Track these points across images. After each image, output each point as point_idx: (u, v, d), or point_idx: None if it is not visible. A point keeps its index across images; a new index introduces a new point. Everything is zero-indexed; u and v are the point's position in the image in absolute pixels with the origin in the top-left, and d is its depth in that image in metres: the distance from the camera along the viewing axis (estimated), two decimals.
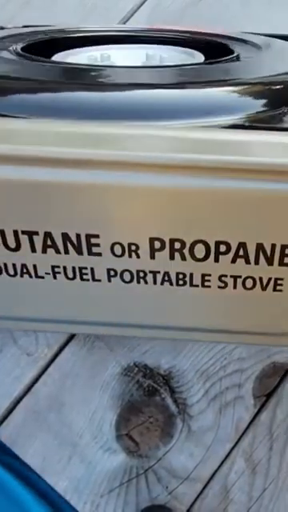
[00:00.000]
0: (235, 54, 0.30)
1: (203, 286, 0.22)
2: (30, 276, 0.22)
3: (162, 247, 0.21)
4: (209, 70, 0.27)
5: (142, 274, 0.21)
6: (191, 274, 0.21)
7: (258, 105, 0.23)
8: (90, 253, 0.21)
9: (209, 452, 0.51)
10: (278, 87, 0.24)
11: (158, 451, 0.51)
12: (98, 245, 0.21)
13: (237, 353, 0.52)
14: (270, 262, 0.21)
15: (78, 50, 0.35)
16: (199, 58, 0.33)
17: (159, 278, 0.22)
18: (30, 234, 0.21)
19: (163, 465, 0.51)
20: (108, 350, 0.52)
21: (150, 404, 0.51)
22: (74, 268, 0.22)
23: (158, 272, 0.21)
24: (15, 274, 0.22)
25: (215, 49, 0.34)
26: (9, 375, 0.51)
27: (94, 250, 0.21)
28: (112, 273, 0.22)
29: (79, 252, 0.21)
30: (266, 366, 0.51)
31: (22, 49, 0.31)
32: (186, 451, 0.51)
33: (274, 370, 0.51)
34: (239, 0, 0.57)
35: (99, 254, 0.21)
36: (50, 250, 0.21)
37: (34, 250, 0.21)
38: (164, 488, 0.50)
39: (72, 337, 0.52)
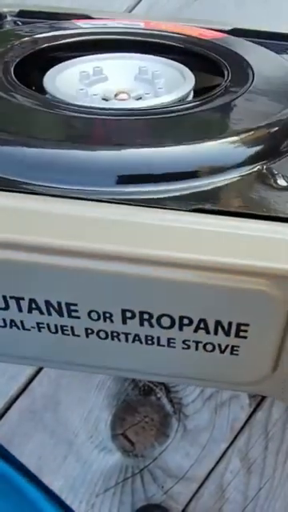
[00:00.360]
0: (223, 86, 0.31)
1: (169, 346, 0.25)
2: (18, 328, 0.25)
3: (133, 316, 0.24)
4: (186, 119, 0.28)
5: (115, 334, 0.25)
6: (158, 337, 0.25)
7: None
8: (69, 316, 0.24)
9: (204, 451, 0.51)
10: (253, 141, 0.26)
11: (153, 451, 0.51)
12: (76, 311, 0.24)
13: None
14: (227, 334, 0.24)
15: (70, 62, 0.35)
16: (189, 79, 0.33)
17: (130, 337, 0.25)
18: (17, 299, 0.24)
19: (159, 464, 0.51)
20: None
21: (145, 403, 0.51)
22: (56, 325, 0.25)
23: (130, 333, 0.25)
24: (5, 325, 0.25)
25: (206, 63, 0.35)
26: (4, 374, 0.51)
27: (73, 314, 0.24)
28: (89, 331, 0.25)
29: (60, 315, 0.24)
30: None
31: (15, 68, 0.32)
32: (181, 451, 0.51)
33: None
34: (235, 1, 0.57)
35: (78, 317, 0.24)
36: (35, 311, 0.24)
37: (20, 310, 0.24)
38: (159, 487, 0.51)
39: None
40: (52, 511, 0.50)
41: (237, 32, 0.41)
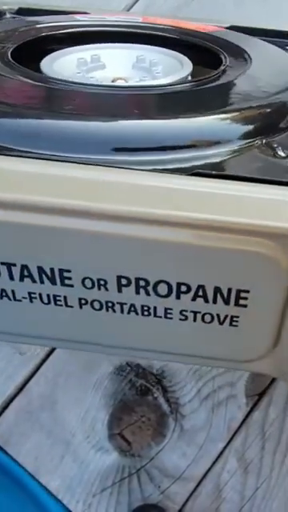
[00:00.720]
0: (221, 69, 0.31)
1: (166, 317, 0.24)
2: (9, 299, 0.24)
3: (128, 284, 0.23)
4: (187, 93, 0.28)
5: (110, 304, 0.24)
6: (155, 307, 0.24)
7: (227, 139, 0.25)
8: (62, 284, 0.23)
9: (201, 451, 0.51)
10: (252, 116, 0.26)
11: (150, 450, 0.51)
12: (69, 278, 0.23)
13: None
14: (226, 302, 0.23)
15: (68, 50, 0.35)
16: (187, 65, 0.33)
17: (126, 308, 0.24)
18: (9, 265, 0.23)
19: (155, 464, 0.51)
20: None
21: (142, 403, 0.51)
22: (48, 295, 0.24)
23: (125, 303, 0.24)
24: None
25: (204, 54, 0.35)
26: (1, 374, 0.51)
27: (67, 282, 0.23)
28: (83, 301, 0.24)
29: (53, 283, 0.23)
30: None
31: (12, 53, 0.31)
32: (178, 450, 0.51)
33: None
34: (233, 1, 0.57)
35: (71, 286, 0.23)
36: (27, 279, 0.23)
37: (12, 278, 0.23)
38: (156, 487, 0.50)
39: None
40: (52, 505, 0.50)
41: (234, 29, 0.41)
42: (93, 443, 0.51)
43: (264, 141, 0.26)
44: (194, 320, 0.24)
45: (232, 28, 0.41)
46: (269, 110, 0.27)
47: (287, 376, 0.26)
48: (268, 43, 0.38)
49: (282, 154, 0.25)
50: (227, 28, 0.42)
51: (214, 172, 0.23)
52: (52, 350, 0.52)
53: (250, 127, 0.26)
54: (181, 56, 0.34)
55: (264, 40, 0.40)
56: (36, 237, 0.22)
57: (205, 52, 0.35)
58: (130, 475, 0.51)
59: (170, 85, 0.29)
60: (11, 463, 0.50)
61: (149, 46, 0.37)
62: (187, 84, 0.30)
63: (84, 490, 0.50)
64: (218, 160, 0.24)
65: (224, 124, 0.25)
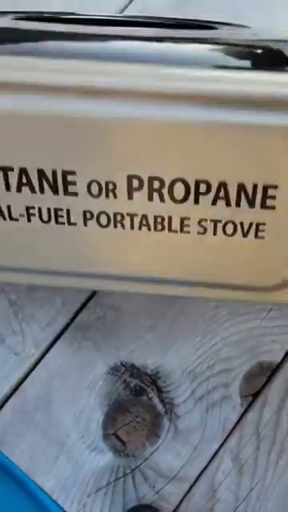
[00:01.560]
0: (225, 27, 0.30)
1: (182, 231, 0.20)
2: (4, 218, 0.21)
3: (140, 186, 0.20)
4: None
5: (119, 218, 0.20)
6: (170, 218, 0.20)
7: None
8: (66, 192, 0.20)
9: (196, 452, 0.51)
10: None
11: (144, 451, 0.51)
12: (74, 183, 0.20)
13: (224, 352, 0.52)
14: (251, 203, 0.20)
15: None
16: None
17: (137, 221, 0.20)
18: (5, 170, 0.20)
19: (150, 464, 0.51)
20: (95, 350, 0.52)
21: (136, 403, 0.51)
22: (49, 210, 0.21)
23: (136, 215, 0.20)
24: None
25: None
26: None
27: (71, 188, 0.20)
28: (88, 215, 0.21)
29: (55, 191, 0.20)
30: (253, 366, 0.51)
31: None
32: (172, 451, 0.51)
33: (260, 370, 0.51)
34: (229, 2, 0.57)
35: (75, 194, 0.20)
36: (25, 189, 0.20)
37: (8, 188, 0.20)
38: (151, 488, 0.51)
39: (59, 336, 0.52)
40: (49, 503, 0.50)
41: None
42: (87, 443, 0.51)
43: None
44: (215, 233, 0.20)
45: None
46: None
47: None
48: None
49: None
50: None
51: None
52: (47, 351, 0.52)
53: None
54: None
55: None
56: (36, 128, 0.19)
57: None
58: (125, 475, 0.51)
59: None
60: (6, 460, 0.50)
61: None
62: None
63: (79, 490, 0.51)
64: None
65: None
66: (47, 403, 0.51)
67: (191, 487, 0.51)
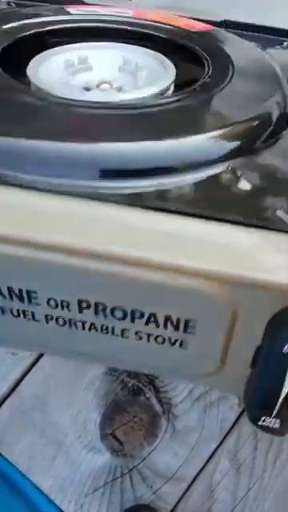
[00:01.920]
0: (201, 82, 0.31)
1: (122, 336, 0.26)
2: None
3: (88, 307, 0.25)
4: (163, 113, 0.29)
5: (73, 322, 0.26)
6: (113, 327, 0.26)
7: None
8: (30, 302, 0.25)
9: (193, 452, 0.51)
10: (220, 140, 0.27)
11: (142, 451, 0.51)
12: (36, 297, 0.25)
13: None
14: (176, 328, 0.25)
15: (54, 50, 0.35)
16: (170, 71, 0.33)
17: (87, 325, 0.26)
18: None
19: (148, 464, 0.51)
20: None
21: (134, 403, 0.51)
22: (18, 310, 0.26)
23: (86, 322, 0.26)
24: None
25: (189, 56, 0.35)
26: None
27: (34, 301, 0.25)
28: (49, 317, 0.26)
29: (21, 301, 0.25)
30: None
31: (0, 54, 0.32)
32: (170, 451, 0.51)
33: None
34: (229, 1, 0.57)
35: (38, 304, 0.25)
36: None
37: None
38: (148, 487, 0.51)
39: None
40: (45, 504, 0.50)
41: (227, 24, 0.41)
42: (85, 443, 0.51)
43: (230, 167, 0.26)
44: (148, 340, 0.26)
45: (225, 23, 0.41)
46: (241, 131, 0.27)
47: (233, 391, 0.28)
48: (255, 47, 0.38)
49: (244, 187, 0.25)
50: (220, 22, 0.42)
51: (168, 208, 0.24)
52: None
53: (215, 152, 0.26)
54: (166, 61, 0.35)
55: (258, 36, 0.41)
56: (5, 264, 0.24)
57: (189, 53, 0.35)
58: (122, 475, 0.51)
59: (140, 106, 0.29)
60: (3, 462, 0.50)
61: (136, 47, 0.37)
62: (159, 101, 0.30)
63: (76, 490, 0.51)
64: (171, 188, 0.25)
65: (186, 148, 0.26)
66: (44, 403, 0.52)
67: (189, 487, 0.51)
